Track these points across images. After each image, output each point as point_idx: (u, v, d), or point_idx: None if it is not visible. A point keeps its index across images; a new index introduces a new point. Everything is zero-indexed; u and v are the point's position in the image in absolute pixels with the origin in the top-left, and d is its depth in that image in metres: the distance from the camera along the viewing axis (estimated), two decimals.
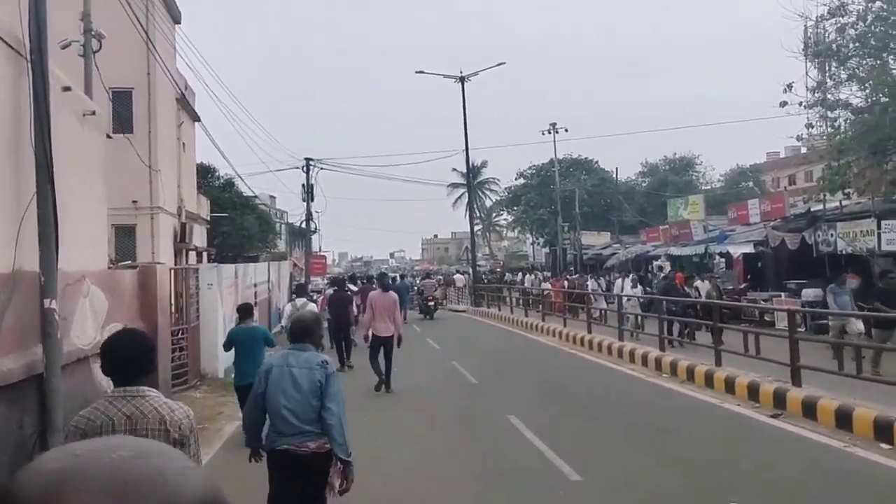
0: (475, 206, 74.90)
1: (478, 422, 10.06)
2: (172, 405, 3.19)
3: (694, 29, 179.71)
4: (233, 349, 8.67)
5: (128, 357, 3.18)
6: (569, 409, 10.84)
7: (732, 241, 26.77)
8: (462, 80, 31.70)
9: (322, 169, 34.86)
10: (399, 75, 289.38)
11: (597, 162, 59.64)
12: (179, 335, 11.98)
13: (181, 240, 22.59)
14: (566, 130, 55.24)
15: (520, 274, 43.11)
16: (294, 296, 16.46)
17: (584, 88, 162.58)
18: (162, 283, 9.49)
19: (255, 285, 19.00)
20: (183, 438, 3.08)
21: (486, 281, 38.74)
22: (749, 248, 24.75)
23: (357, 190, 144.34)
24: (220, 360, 13.08)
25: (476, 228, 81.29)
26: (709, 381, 12.03)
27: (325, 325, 17.93)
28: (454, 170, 66.37)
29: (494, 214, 77.03)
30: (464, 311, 34.02)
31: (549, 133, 54.49)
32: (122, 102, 20.72)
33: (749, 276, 24.24)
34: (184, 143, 24.77)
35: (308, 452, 4.73)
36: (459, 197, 74.96)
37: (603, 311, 22.37)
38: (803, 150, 58.59)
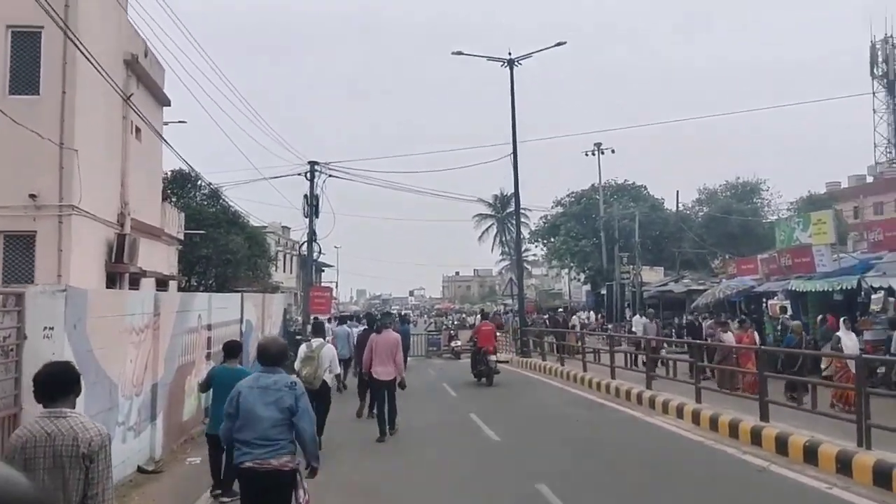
0: (503, 239, 68.06)
1: None
2: (88, 425, 3.63)
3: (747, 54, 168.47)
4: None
5: (49, 384, 3.65)
6: None
7: (883, 270, 19.62)
8: (511, 63, 24.66)
9: (331, 176, 27.86)
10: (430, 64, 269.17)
11: (645, 188, 52.85)
12: None
13: (118, 259, 15.63)
14: (612, 152, 48.92)
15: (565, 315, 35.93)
16: (310, 335, 11.60)
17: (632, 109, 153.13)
18: None
19: (209, 328, 11.87)
20: (91, 454, 3.54)
21: (542, 323, 30.98)
22: None
23: (374, 209, 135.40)
24: None
25: (504, 264, 74.28)
26: None
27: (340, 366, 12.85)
28: (480, 199, 59.46)
29: (523, 248, 69.89)
30: (506, 362, 26.73)
31: (593, 154, 48.25)
32: (25, 48, 13.92)
33: None
34: (137, 128, 17.97)
35: (271, 469, 4.93)
36: (486, 230, 68.21)
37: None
38: (869, 179, 52.60)
